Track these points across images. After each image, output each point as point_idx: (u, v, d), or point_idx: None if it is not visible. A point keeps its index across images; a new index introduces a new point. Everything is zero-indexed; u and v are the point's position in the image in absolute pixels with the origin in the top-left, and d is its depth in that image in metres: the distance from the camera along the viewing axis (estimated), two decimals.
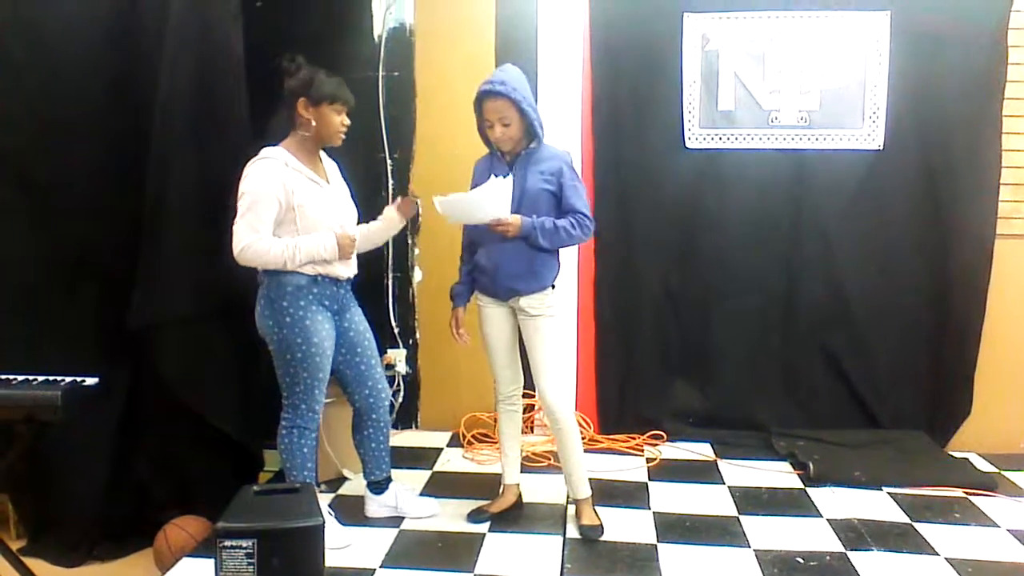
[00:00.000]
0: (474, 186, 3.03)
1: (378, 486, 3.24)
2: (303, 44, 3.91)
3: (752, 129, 4.10)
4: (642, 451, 4.03)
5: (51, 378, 2.56)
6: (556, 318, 3.06)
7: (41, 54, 3.03)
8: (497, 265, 2.99)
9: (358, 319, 3.07)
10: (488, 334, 3.14)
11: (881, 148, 4.04)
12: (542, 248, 2.95)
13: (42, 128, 3.08)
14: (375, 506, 3.25)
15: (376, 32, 4.16)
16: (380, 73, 4.15)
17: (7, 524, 3.30)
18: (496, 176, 2.88)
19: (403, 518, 3.22)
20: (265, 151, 2.81)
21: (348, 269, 2.97)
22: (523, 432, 3.55)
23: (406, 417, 4.39)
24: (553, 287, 3.05)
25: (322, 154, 2.98)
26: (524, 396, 3.27)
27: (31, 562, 2.86)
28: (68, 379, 2.55)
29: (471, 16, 4.16)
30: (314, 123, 2.82)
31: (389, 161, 4.19)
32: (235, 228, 2.73)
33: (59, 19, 3.03)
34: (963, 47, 3.91)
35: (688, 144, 4.12)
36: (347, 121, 2.89)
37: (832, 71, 4.05)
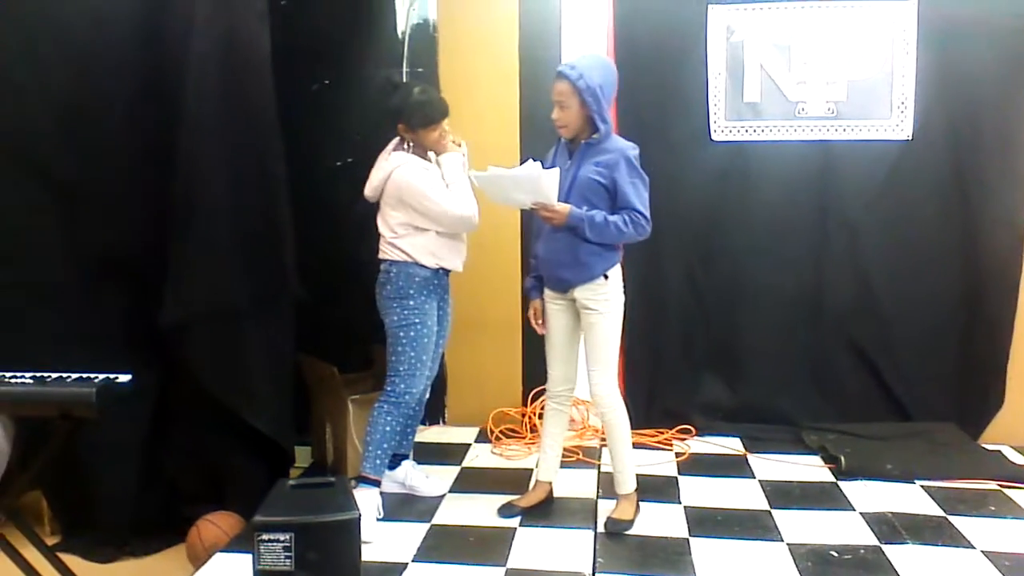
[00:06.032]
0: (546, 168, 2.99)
1: (394, 460, 3.41)
2: (328, 41, 3.96)
3: (779, 121, 4.07)
4: (671, 445, 4.01)
5: (85, 376, 2.58)
6: (610, 313, 3.00)
7: (70, 52, 3.04)
8: (549, 254, 3.01)
9: (447, 306, 3.34)
10: (549, 328, 3.14)
11: (910, 138, 4.01)
12: (588, 240, 2.92)
13: (70, 126, 3.09)
14: (387, 481, 3.41)
15: (400, 29, 4.17)
16: (404, 69, 4.16)
17: (42, 520, 3.33)
18: (534, 161, 2.88)
19: (434, 512, 3.25)
20: (394, 158, 3.09)
21: (462, 262, 3.24)
22: None
23: (434, 413, 4.38)
24: (606, 277, 2.97)
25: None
26: None
27: (65, 557, 2.87)
28: (102, 376, 2.57)
29: (494, 11, 4.15)
30: (414, 142, 3.13)
31: None
32: (445, 209, 3.03)
33: (88, 17, 3.04)
34: (991, 34, 3.86)
35: (714, 136, 4.10)
36: (447, 129, 3.14)
37: (859, 61, 4.01)
